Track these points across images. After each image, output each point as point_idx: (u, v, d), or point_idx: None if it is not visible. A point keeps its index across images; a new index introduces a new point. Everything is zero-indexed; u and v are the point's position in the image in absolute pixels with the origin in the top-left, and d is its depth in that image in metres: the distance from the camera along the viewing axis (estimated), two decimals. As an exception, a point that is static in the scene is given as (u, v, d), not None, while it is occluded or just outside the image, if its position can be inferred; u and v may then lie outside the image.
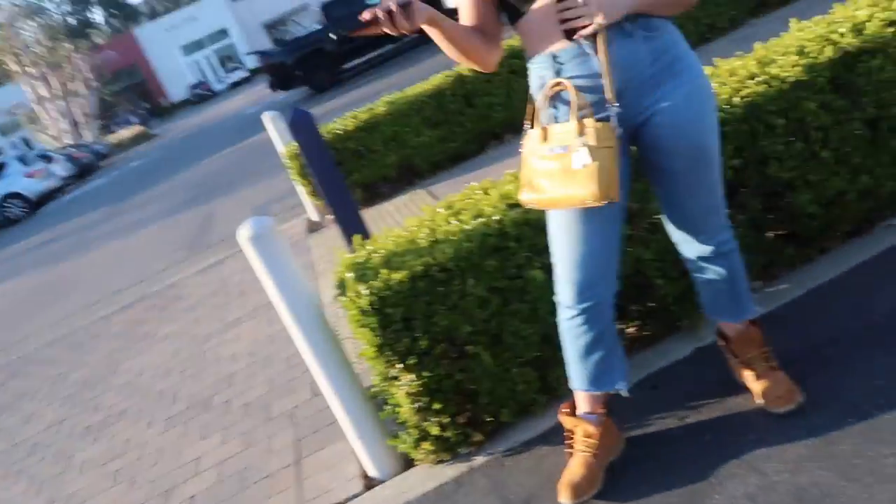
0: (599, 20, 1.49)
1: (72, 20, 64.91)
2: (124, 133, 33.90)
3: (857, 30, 2.37)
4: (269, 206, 7.46)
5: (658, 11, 1.60)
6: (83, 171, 24.70)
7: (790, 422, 1.75)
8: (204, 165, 13.72)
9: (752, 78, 2.33)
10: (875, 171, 2.34)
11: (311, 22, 20.48)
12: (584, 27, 1.50)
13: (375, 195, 5.66)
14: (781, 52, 2.42)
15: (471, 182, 5.07)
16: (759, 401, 1.82)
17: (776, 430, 1.75)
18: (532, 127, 1.68)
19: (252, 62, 41.25)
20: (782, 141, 2.26)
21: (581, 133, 1.55)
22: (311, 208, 5.93)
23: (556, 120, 1.64)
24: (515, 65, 5.24)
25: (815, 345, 1.97)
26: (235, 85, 46.52)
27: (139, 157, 23.81)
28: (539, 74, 1.67)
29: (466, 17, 1.69)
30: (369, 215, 5.23)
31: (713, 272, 1.82)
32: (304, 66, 16.40)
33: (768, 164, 2.26)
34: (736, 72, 2.42)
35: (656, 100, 1.61)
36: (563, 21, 1.52)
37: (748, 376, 1.87)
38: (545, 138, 1.62)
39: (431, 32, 1.60)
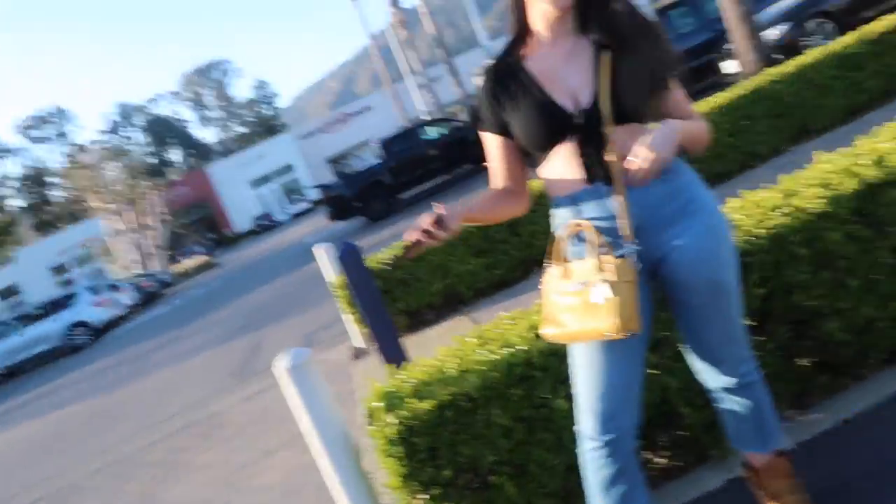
0: (654, 163, 1.60)
1: (152, 159, 70.21)
2: (189, 263, 35.47)
3: (880, 162, 2.43)
4: (317, 333, 7.63)
5: (691, 148, 1.73)
6: (148, 299, 25.78)
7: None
8: (259, 293, 14.19)
9: (777, 209, 2.39)
10: (907, 298, 2.33)
11: (371, 156, 21.64)
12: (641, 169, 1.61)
13: (420, 322, 5.76)
14: (805, 185, 2.49)
15: (513, 308, 5.13)
16: (789, 535, 1.75)
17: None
18: (552, 264, 1.77)
19: (315, 194, 43.40)
20: (808, 270, 2.28)
21: (601, 270, 1.63)
22: (357, 336, 6.05)
23: (576, 257, 1.73)
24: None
25: (849, 477, 1.90)
26: (298, 215, 48.69)
27: (201, 285, 24.76)
28: (560, 215, 1.78)
29: (496, 178, 1.85)
30: (413, 342, 5.31)
31: (736, 403, 1.81)
32: (362, 197, 17.19)
33: (794, 292, 2.27)
34: (761, 203, 2.49)
35: (672, 237, 1.69)
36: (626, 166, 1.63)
37: None
38: (566, 275, 1.71)
39: (469, 223, 1.75)
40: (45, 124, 70.18)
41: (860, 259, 2.30)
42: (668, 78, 1.75)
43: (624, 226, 1.65)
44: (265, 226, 48.30)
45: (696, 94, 8.76)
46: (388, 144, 18.43)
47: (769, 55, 9.08)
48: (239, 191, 53.30)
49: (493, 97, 1.77)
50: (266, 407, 5.48)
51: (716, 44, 11.01)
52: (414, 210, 16.09)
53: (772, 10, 10.88)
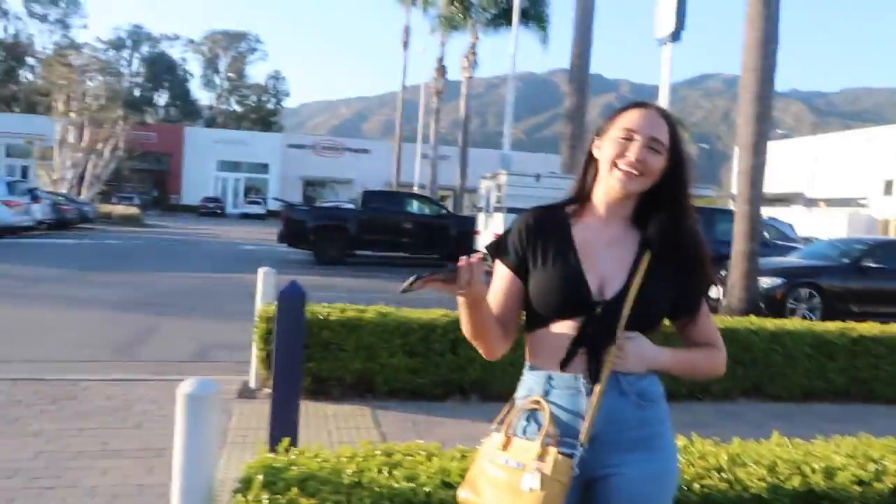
0: (627, 366, 1.68)
1: (137, 92, 69.28)
2: (118, 208, 34.57)
3: (829, 473, 2.51)
4: (216, 349, 7.40)
5: (684, 375, 1.80)
6: (61, 223, 24.86)
7: None
8: (176, 277, 13.80)
9: (719, 472, 2.44)
10: None
11: (348, 197, 21.75)
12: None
13: (323, 392, 5.63)
14: (754, 460, 2.56)
15: (417, 423, 5.07)
16: None
17: None
18: (498, 430, 1.74)
19: (274, 205, 43.20)
20: (726, 547, 2.31)
21: (540, 458, 1.61)
22: (255, 374, 5.88)
23: (523, 434, 1.71)
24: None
25: None
26: (247, 216, 48.17)
27: (120, 237, 24.02)
28: (529, 385, 1.78)
29: (491, 305, 1.81)
30: (306, 408, 5.18)
31: None
32: (320, 234, 17.11)
33: (705, 562, 2.29)
34: (706, 458, 2.54)
35: (623, 463, 1.69)
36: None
37: None
38: (505, 447, 1.68)
39: (469, 306, 1.69)
40: (51, 4, 68.65)
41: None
42: (698, 302, 1.81)
43: (584, 429, 1.66)
44: (211, 210, 47.59)
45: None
46: (370, 197, 18.60)
47: (757, 301, 9.51)
48: (204, 164, 52.79)
49: (529, 239, 1.78)
50: (132, 400, 5.22)
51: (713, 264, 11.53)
52: (362, 271, 16.03)
53: (773, 261, 11.49)
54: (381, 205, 18.40)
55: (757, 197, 9.58)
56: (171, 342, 7.73)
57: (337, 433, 4.78)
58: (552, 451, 1.62)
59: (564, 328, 1.72)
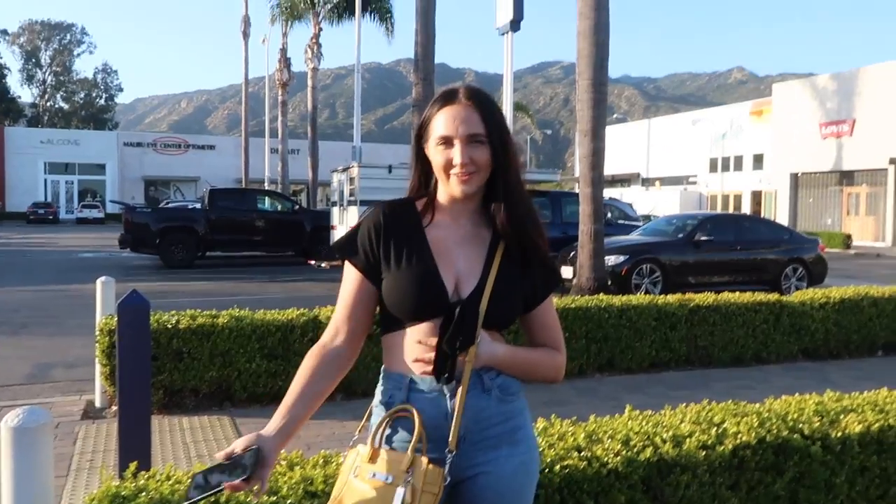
0: (469, 365, 1.62)
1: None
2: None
3: (677, 441, 2.67)
4: (55, 369, 6.84)
5: (523, 377, 1.75)
6: None
7: None
8: (3, 292, 12.63)
9: (578, 451, 2.52)
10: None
11: (194, 196, 20.81)
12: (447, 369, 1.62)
13: (177, 405, 5.35)
14: (609, 435, 2.67)
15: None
16: None
17: None
18: (363, 441, 1.67)
19: (113, 208, 40.68)
20: (589, 522, 2.40)
21: (409, 469, 1.55)
22: (99, 392, 5.50)
23: (390, 444, 1.66)
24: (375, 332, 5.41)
25: None
26: (83, 221, 45.02)
27: (-65, 251, 21.70)
28: (389, 391, 1.71)
29: (340, 314, 1.75)
30: (160, 424, 4.90)
31: None
32: (166, 237, 16.28)
33: (569, 541, 2.37)
34: (565, 438, 2.62)
35: (488, 461, 1.67)
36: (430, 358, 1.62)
37: None
38: (373, 460, 1.61)
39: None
40: None
41: (634, 529, 2.46)
42: (545, 297, 1.80)
43: (452, 432, 1.61)
44: (42, 217, 43.94)
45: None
46: (217, 196, 17.91)
47: (605, 279, 9.99)
48: (30, 167, 48.86)
49: (380, 239, 1.71)
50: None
51: (561, 245, 12.01)
52: (217, 273, 15.39)
53: (617, 240, 12.14)
54: (229, 203, 17.73)
55: (599, 179, 10.05)
56: (1, 364, 7.05)
57: (195, 447, 4.55)
58: (423, 460, 1.56)
59: (422, 330, 1.66)
